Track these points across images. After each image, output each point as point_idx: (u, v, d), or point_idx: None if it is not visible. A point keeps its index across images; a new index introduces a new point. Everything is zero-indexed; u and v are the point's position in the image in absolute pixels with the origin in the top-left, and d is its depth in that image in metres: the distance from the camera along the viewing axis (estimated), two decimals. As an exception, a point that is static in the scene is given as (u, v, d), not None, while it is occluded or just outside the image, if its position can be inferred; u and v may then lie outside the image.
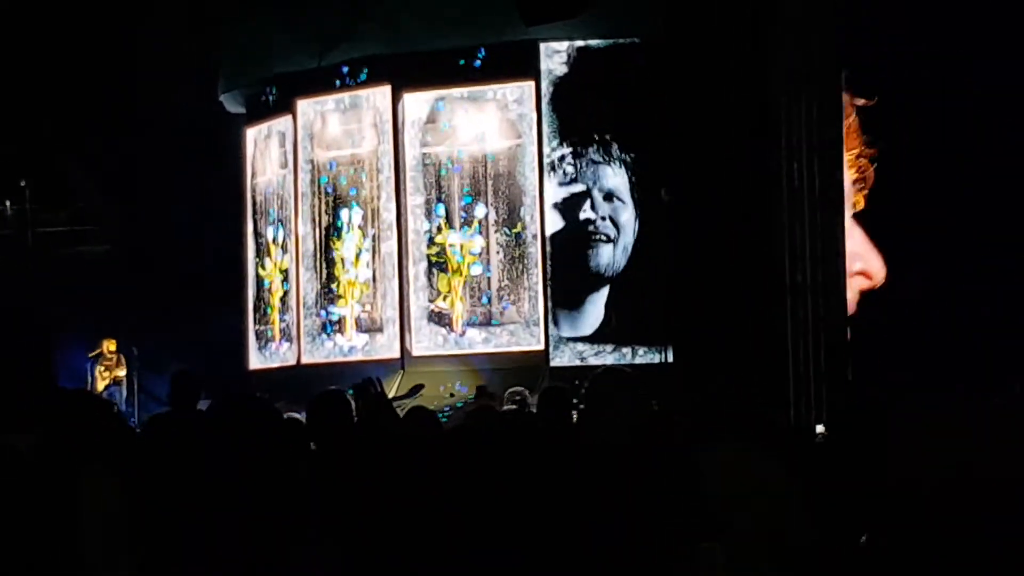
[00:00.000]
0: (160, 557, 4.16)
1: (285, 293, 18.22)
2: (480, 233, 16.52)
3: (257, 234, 18.82)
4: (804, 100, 9.87)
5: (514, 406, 10.31)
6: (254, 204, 18.86)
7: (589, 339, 15.83)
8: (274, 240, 18.42)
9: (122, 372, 17.94)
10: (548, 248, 16.07)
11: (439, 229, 16.65)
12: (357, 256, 17.20)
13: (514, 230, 16.41)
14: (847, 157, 11.79)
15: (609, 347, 15.73)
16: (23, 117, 17.96)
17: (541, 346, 16.06)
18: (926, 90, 11.57)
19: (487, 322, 16.45)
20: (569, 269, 15.97)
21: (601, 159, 15.95)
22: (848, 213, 11.76)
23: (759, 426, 5.92)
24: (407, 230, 16.72)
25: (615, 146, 15.91)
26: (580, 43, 15.99)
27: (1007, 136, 11.43)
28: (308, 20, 16.81)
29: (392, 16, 16.29)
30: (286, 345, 18.14)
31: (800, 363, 9.70)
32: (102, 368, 17.88)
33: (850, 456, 4.69)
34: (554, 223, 16.06)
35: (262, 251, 18.70)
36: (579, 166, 15.99)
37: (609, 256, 15.87)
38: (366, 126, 17.17)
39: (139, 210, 18.93)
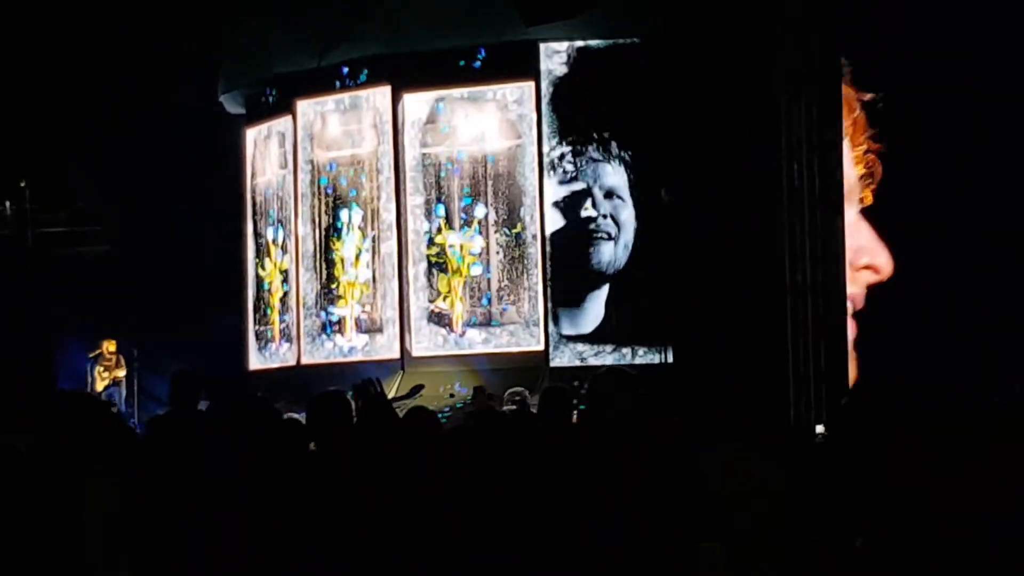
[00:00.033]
0: (160, 557, 4.16)
1: (285, 294, 18.22)
2: (480, 233, 16.52)
3: (257, 234, 18.82)
4: (804, 100, 9.87)
5: (514, 406, 10.31)
6: (254, 204, 18.86)
7: (589, 339, 15.82)
8: (274, 240, 18.42)
9: (121, 372, 17.93)
10: (548, 248, 16.07)
11: (439, 230, 16.65)
12: (357, 256, 17.20)
13: (514, 230, 16.41)
14: (855, 152, 11.77)
15: (609, 347, 15.73)
16: (23, 117, 17.96)
17: (541, 346, 16.06)
18: (927, 88, 11.54)
19: (487, 322, 16.46)
20: (570, 267, 15.97)
21: (601, 157, 15.95)
22: (855, 208, 11.74)
23: (759, 426, 5.92)
24: (407, 230, 16.72)
25: (614, 144, 15.91)
26: (580, 43, 15.99)
27: (1007, 136, 11.41)
28: (308, 20, 16.81)
29: (392, 16, 16.29)
30: (286, 345, 18.14)
31: (800, 363, 9.70)
32: (101, 368, 17.88)
33: (850, 456, 4.68)
34: (555, 222, 16.06)
35: (262, 251, 18.70)
36: (579, 164, 15.99)
37: (611, 253, 15.87)
38: (366, 126, 17.17)
39: (139, 210, 18.93)
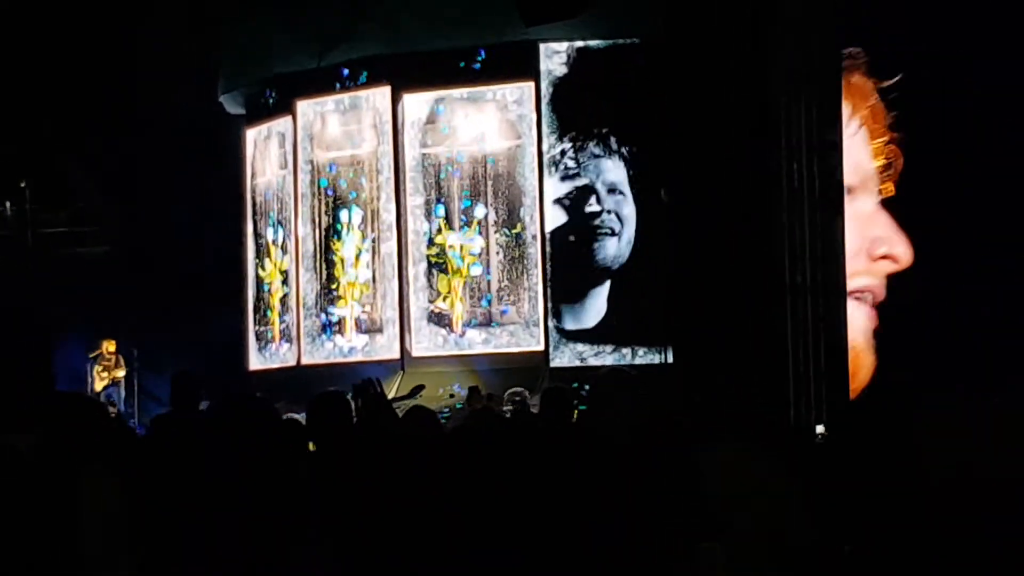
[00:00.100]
0: (160, 557, 4.16)
1: (285, 294, 18.22)
2: (480, 234, 16.52)
3: (257, 235, 18.82)
4: (804, 100, 9.87)
5: (512, 407, 10.32)
6: (254, 205, 18.87)
7: (590, 338, 15.82)
8: (274, 241, 18.42)
9: (121, 373, 17.94)
10: (548, 248, 16.07)
11: (439, 230, 16.65)
12: (357, 257, 17.20)
13: (514, 231, 16.41)
14: (874, 144, 11.71)
15: (609, 347, 15.72)
16: (23, 117, 17.96)
17: (541, 347, 16.06)
18: (945, 72, 11.45)
19: (487, 323, 16.46)
20: (574, 263, 15.96)
21: (602, 152, 15.94)
22: (873, 199, 11.69)
23: (759, 426, 5.92)
24: (407, 231, 16.72)
25: (613, 139, 15.90)
26: (580, 43, 15.99)
27: (1007, 136, 11.37)
28: (308, 20, 16.81)
29: (392, 16, 16.29)
30: (286, 346, 18.14)
31: (800, 363, 9.70)
32: (100, 368, 17.88)
33: (850, 456, 4.68)
34: (558, 218, 16.04)
35: (262, 252, 18.71)
36: (581, 160, 15.98)
37: (615, 249, 15.87)
38: (366, 127, 17.17)
39: (139, 210, 18.93)
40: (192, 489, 4.14)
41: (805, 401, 9.64)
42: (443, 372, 15.93)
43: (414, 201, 16.71)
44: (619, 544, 4.13)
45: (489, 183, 16.51)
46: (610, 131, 15.89)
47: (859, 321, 11.60)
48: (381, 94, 16.95)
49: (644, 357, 15.13)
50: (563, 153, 16.01)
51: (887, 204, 11.83)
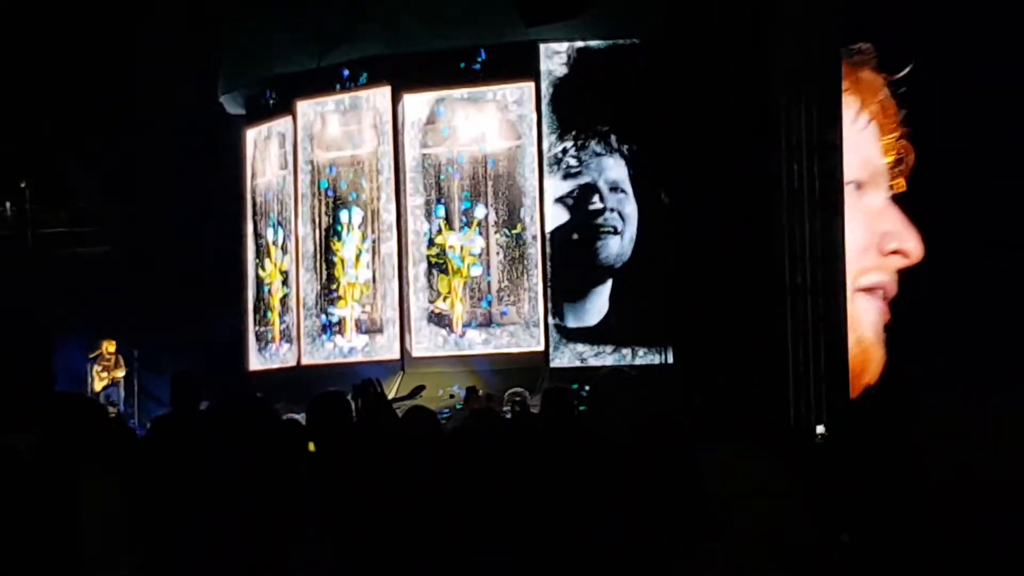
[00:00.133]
0: (160, 557, 4.16)
1: (285, 295, 18.22)
2: (480, 234, 16.52)
3: (257, 235, 18.82)
4: (804, 100, 9.87)
5: (512, 407, 10.32)
6: (254, 205, 18.87)
7: (591, 337, 15.82)
8: (274, 241, 18.42)
9: (121, 373, 17.93)
10: (549, 248, 16.06)
11: (439, 230, 16.65)
12: (357, 257, 17.20)
13: (514, 231, 16.41)
14: (885, 140, 11.70)
15: (609, 348, 15.72)
16: (23, 117, 17.95)
17: (541, 347, 16.06)
18: (939, 81, 11.44)
19: (487, 323, 16.45)
20: (576, 262, 15.95)
21: (603, 151, 15.94)
22: (883, 194, 11.69)
23: (759, 426, 5.92)
24: (407, 231, 16.73)
25: (613, 137, 15.90)
26: (580, 44, 15.98)
27: (1018, 131, 11.34)
28: (308, 20, 16.81)
29: (392, 16, 16.29)
30: (286, 346, 18.14)
31: (800, 363, 9.70)
32: (99, 368, 17.87)
33: (850, 456, 4.68)
34: (560, 217, 16.03)
35: (262, 252, 18.71)
36: (582, 158, 15.98)
37: (617, 247, 15.86)
38: (366, 127, 17.17)
39: (139, 210, 18.93)
40: (192, 489, 4.14)
41: (805, 401, 9.64)
42: (443, 372, 15.93)
43: (414, 201, 16.71)
44: (619, 544, 4.14)
45: (489, 183, 16.51)
46: (611, 130, 15.89)
47: (871, 316, 11.61)
48: (381, 94, 16.95)
49: (644, 357, 15.13)
50: (565, 151, 16.01)
51: (898, 199, 11.81)
